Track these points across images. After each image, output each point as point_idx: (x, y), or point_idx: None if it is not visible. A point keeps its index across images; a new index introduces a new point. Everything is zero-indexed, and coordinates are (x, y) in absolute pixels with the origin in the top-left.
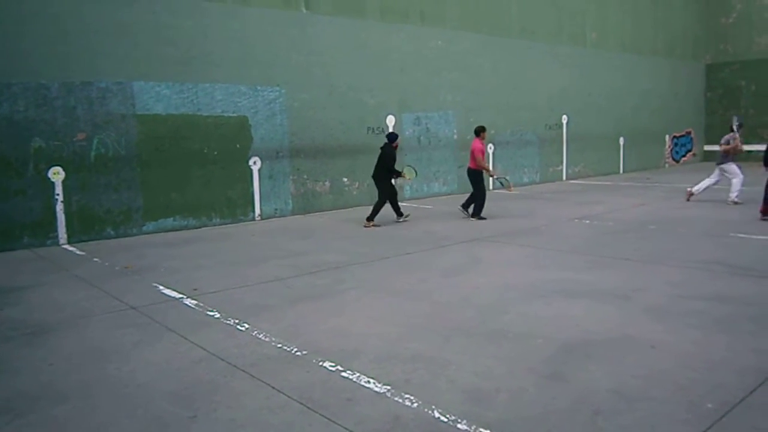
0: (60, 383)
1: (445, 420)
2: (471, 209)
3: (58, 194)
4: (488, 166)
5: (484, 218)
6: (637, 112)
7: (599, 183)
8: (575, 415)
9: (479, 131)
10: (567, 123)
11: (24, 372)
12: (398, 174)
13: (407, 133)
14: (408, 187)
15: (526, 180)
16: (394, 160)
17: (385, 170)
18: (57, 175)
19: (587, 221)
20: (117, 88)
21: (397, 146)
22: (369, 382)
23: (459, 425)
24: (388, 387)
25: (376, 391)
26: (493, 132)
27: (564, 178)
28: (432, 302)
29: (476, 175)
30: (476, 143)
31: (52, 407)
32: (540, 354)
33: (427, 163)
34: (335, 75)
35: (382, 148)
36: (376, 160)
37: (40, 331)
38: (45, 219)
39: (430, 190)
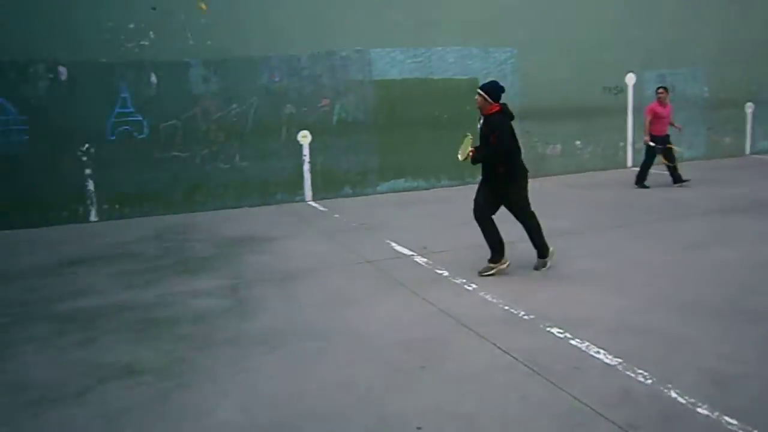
0: (306, 324)
1: (683, 401)
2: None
3: (305, 156)
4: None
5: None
6: None
7: None
8: None
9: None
10: None
11: (277, 312)
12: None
13: (648, 91)
14: None
15: None
16: (507, 130)
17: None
18: (305, 138)
19: None
20: (356, 55)
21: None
22: (599, 352)
23: (699, 409)
24: (620, 360)
25: (606, 363)
26: (754, 88)
27: None
28: (671, 275)
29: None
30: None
31: (299, 344)
32: None
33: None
34: (571, 32)
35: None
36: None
37: (289, 277)
38: (294, 178)
39: None
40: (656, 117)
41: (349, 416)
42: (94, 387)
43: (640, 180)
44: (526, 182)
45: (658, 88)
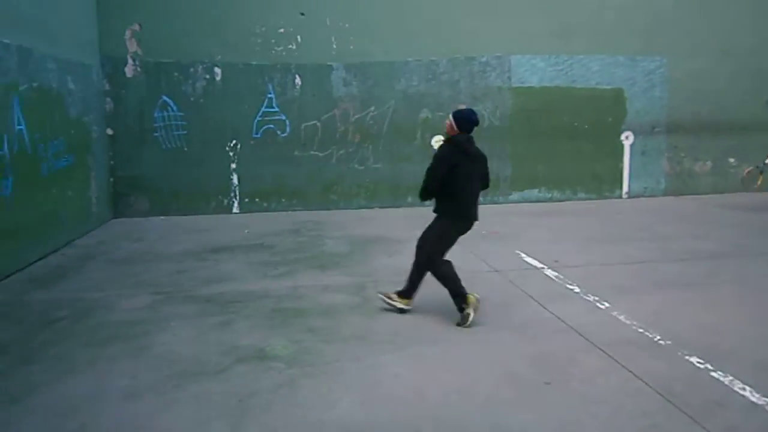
0: (431, 328)
1: None
2: None
3: None
4: None
5: None
6: None
7: None
8: None
9: None
10: None
11: (404, 313)
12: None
13: None
14: None
15: None
16: (444, 165)
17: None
18: (438, 142)
19: None
20: (496, 62)
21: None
22: (744, 388)
23: None
24: None
25: (752, 401)
26: None
27: None
28: None
29: None
30: None
31: (423, 346)
32: None
33: None
34: (730, 38)
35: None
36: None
37: None
38: None
39: None
40: None
41: (468, 424)
42: (230, 367)
43: None
44: (456, 229)
45: None
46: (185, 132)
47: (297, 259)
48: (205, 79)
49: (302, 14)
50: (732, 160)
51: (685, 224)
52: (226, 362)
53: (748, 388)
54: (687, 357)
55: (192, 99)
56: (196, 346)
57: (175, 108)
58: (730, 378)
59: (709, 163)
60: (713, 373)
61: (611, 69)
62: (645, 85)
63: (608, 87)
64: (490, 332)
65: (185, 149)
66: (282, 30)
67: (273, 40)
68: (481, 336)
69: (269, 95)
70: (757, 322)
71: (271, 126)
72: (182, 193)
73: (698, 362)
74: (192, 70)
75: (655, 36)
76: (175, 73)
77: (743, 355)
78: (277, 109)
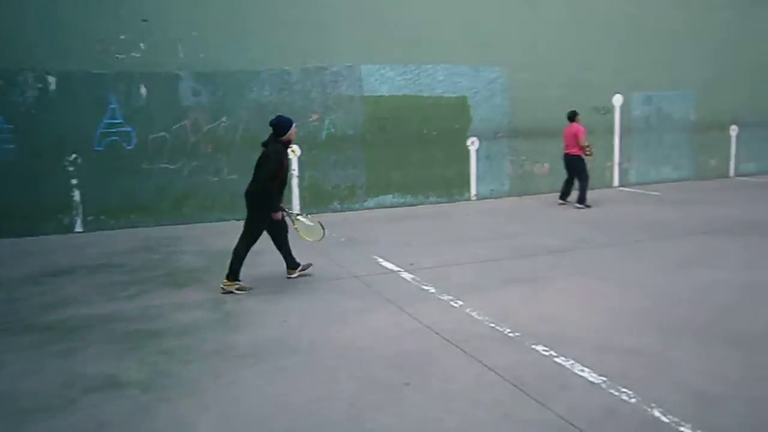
0: (291, 338)
1: (666, 420)
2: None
3: (293, 170)
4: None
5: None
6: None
7: None
8: None
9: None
10: None
11: (265, 325)
12: (277, 207)
13: (635, 113)
14: (633, 171)
15: None
16: (279, 165)
17: (260, 186)
18: (293, 152)
19: None
20: (347, 71)
21: (290, 141)
22: (583, 371)
23: (682, 428)
24: (604, 378)
25: (590, 381)
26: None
27: None
28: (658, 295)
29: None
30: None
31: (284, 358)
32: None
33: (657, 147)
34: (560, 52)
35: (264, 144)
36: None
37: (277, 291)
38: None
39: (659, 176)
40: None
41: (331, 431)
42: (77, 399)
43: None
44: None
45: (576, 112)
46: (13, 145)
47: (150, 278)
48: (37, 88)
49: (145, 21)
50: None
51: (529, 222)
52: (71, 394)
53: (586, 369)
54: (534, 346)
55: (22, 110)
56: (37, 379)
57: (1, 120)
58: (571, 362)
59: (547, 164)
60: (557, 359)
61: (455, 78)
62: (486, 94)
63: (453, 95)
64: (349, 337)
65: (14, 164)
66: (123, 36)
67: (114, 48)
68: (340, 342)
69: (112, 106)
70: (594, 309)
71: (116, 138)
72: (14, 213)
73: (544, 350)
74: (21, 78)
75: (494, 48)
76: (1, 82)
77: (582, 340)
78: (121, 120)
